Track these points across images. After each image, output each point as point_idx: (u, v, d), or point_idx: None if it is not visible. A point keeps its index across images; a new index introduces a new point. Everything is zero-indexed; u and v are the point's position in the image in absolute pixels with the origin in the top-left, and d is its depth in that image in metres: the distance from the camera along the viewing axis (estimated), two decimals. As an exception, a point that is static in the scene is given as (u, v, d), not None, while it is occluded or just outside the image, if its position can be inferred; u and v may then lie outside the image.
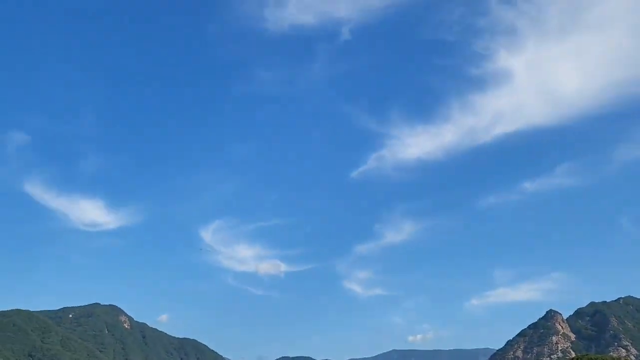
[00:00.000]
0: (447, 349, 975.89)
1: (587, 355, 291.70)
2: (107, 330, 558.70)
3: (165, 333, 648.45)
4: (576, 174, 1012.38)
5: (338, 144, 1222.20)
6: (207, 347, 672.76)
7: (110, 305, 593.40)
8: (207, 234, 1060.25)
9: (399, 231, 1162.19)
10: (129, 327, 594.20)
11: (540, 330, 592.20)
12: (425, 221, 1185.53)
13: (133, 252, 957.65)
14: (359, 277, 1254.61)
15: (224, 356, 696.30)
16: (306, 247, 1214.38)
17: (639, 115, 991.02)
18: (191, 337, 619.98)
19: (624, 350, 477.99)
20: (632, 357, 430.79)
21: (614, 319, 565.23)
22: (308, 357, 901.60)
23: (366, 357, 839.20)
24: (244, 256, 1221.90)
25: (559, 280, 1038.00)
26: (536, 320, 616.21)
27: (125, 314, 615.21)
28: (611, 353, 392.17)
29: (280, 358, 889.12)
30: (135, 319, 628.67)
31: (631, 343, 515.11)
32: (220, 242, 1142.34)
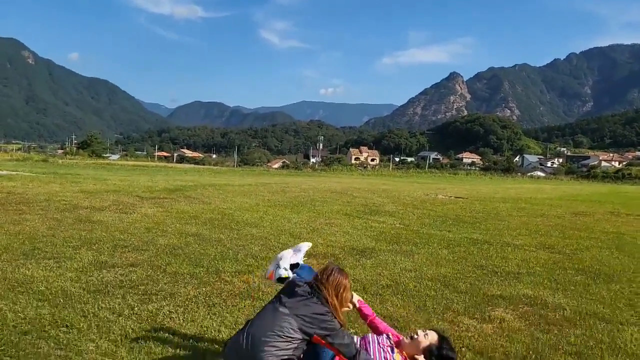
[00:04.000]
0: (354, 103, 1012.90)
1: (476, 113, 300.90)
2: (9, 64, 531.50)
3: (74, 71, 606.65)
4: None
5: None
6: (119, 88, 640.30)
7: (10, 38, 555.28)
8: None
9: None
10: (33, 63, 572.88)
11: (441, 90, 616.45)
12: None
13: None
14: (276, 27, 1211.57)
15: (136, 97, 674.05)
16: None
17: None
18: (102, 78, 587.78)
19: (509, 111, 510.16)
20: (514, 116, 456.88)
21: (507, 83, 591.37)
22: (220, 103, 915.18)
23: (276, 106, 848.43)
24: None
25: (467, 45, 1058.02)
26: (439, 81, 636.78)
27: (28, 49, 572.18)
28: (498, 113, 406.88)
29: (192, 102, 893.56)
30: (40, 55, 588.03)
31: (516, 105, 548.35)
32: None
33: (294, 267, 4.28)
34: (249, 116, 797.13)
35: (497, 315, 5.68)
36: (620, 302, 6.47)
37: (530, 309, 6.03)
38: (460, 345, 4.72)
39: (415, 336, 3.79)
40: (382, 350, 3.77)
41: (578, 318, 5.75)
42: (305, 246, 4.52)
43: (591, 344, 4.97)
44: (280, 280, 4.23)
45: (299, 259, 4.37)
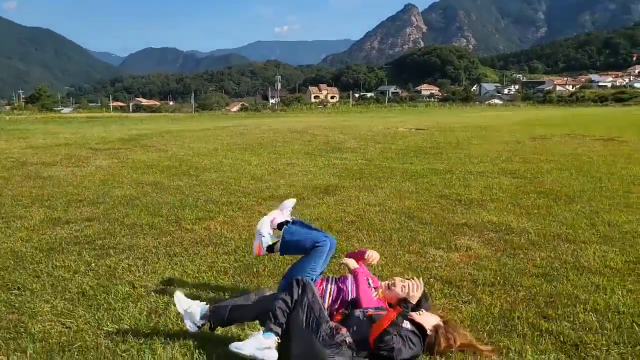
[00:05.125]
0: (310, 40, 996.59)
1: (433, 45, 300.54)
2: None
3: (13, 22, 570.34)
4: None
5: None
6: (65, 38, 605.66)
7: None
8: None
9: None
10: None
11: (397, 23, 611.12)
12: None
13: None
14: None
15: (83, 47, 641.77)
16: None
17: None
18: (46, 27, 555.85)
19: (465, 40, 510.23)
20: (470, 46, 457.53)
21: (462, 12, 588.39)
22: (173, 48, 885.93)
23: (231, 48, 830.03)
24: None
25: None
26: (394, 13, 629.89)
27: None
28: (454, 43, 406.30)
29: (144, 48, 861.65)
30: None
31: (472, 34, 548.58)
32: None
33: (282, 225, 3.94)
34: (203, 60, 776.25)
35: (463, 244, 5.67)
36: (582, 222, 6.56)
37: (495, 235, 6.05)
38: (429, 276, 4.68)
39: (394, 287, 3.67)
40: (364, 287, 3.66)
41: (543, 240, 5.80)
42: (290, 203, 4.24)
43: (556, 264, 5.01)
44: (270, 249, 3.89)
45: (286, 216, 4.09)
